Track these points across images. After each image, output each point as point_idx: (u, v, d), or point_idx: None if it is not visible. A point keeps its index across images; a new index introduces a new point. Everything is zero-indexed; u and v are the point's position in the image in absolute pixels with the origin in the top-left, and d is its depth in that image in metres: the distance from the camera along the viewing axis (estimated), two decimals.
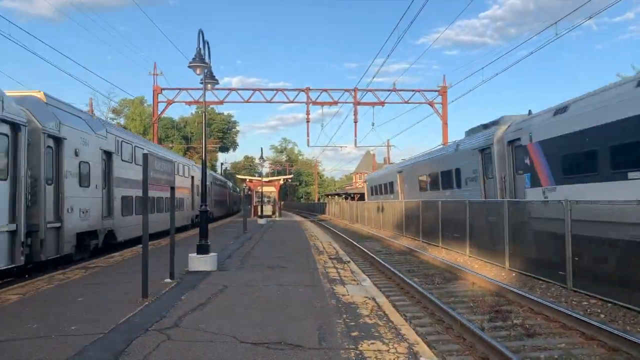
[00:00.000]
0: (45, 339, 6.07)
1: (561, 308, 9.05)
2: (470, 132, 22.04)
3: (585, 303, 9.93)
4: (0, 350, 5.66)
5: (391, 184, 35.22)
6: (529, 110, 17.41)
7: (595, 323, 7.93)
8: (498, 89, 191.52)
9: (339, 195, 77.66)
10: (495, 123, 19.20)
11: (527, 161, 15.47)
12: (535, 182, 15.00)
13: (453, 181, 22.51)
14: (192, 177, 30.54)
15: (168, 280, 10.22)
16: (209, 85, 13.31)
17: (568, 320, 8.47)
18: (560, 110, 13.82)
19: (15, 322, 6.95)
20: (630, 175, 10.78)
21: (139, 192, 18.68)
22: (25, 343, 5.92)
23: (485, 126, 20.30)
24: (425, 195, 25.97)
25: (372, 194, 42.38)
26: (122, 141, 18.29)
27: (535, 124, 15.25)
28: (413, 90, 41.38)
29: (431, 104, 41.18)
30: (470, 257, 16.90)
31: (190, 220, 30.25)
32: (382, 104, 40.83)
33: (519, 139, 16.31)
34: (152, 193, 20.63)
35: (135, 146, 19.85)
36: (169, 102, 40.94)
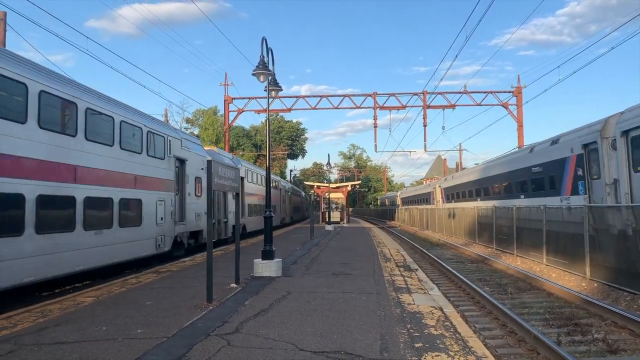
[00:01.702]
0: (111, 342, 6.24)
1: None
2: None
3: None
4: (69, 351, 5.88)
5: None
6: None
7: None
8: (578, 87, 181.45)
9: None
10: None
11: None
12: None
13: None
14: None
15: (234, 285, 10.37)
16: (273, 93, 13.41)
17: None
18: None
19: (87, 323, 7.24)
20: None
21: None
22: (93, 345, 6.12)
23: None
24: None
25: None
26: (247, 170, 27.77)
27: None
28: (485, 92, 39.95)
29: (505, 106, 39.60)
30: (547, 265, 15.98)
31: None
32: (452, 106, 39.70)
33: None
34: None
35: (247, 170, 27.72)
36: (239, 111, 41.97)
